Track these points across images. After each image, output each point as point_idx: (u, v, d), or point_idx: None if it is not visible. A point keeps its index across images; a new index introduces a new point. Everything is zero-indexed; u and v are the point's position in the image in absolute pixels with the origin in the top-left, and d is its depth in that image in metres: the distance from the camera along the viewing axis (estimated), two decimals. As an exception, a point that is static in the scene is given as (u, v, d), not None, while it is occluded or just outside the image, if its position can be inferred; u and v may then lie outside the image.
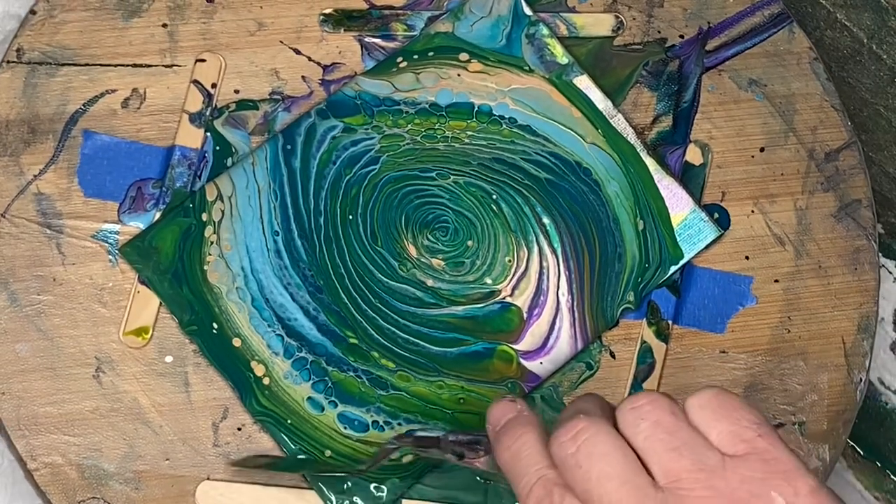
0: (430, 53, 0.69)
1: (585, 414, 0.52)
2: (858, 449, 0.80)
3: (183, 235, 0.66)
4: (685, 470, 0.50)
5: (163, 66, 0.68)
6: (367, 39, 0.69)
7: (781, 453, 0.50)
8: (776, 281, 0.68)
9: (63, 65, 0.67)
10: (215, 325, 0.65)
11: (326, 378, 0.65)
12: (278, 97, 0.68)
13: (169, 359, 0.65)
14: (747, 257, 0.69)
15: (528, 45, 0.69)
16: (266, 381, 0.65)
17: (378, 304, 0.66)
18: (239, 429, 0.65)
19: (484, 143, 0.68)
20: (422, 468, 0.65)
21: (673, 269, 0.68)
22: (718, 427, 0.51)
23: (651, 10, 0.70)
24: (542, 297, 0.67)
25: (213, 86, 0.68)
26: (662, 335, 0.68)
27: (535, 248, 0.67)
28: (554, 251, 0.67)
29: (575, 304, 0.67)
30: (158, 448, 0.65)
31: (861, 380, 0.68)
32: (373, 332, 0.66)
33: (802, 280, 0.69)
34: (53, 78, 0.67)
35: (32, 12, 0.67)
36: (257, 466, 0.64)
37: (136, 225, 0.66)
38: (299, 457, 0.65)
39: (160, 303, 0.66)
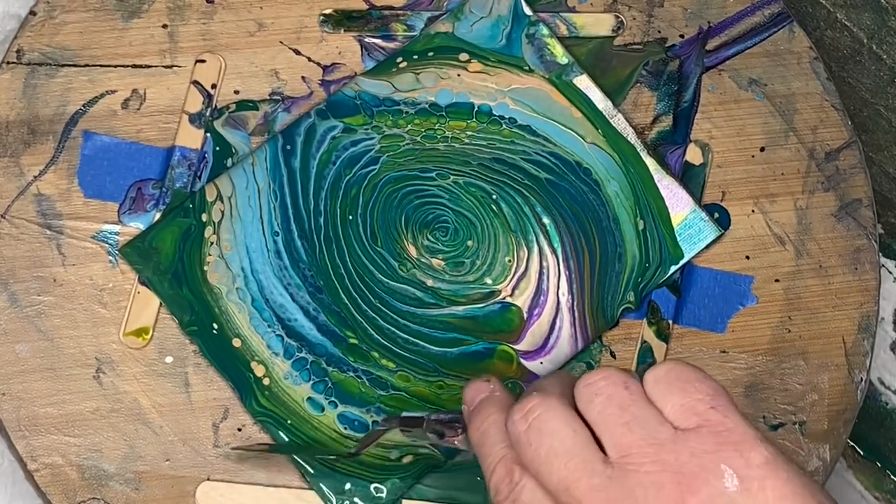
0: (430, 53, 0.69)
1: (541, 392, 0.52)
2: (858, 449, 0.80)
3: (183, 236, 0.66)
4: (635, 444, 0.49)
5: (163, 66, 0.68)
6: (366, 40, 0.69)
7: (735, 424, 0.50)
8: (777, 280, 0.68)
9: (63, 66, 0.67)
10: (215, 326, 0.65)
11: (326, 378, 0.65)
12: (278, 97, 0.68)
13: (169, 359, 0.65)
14: (748, 257, 0.69)
15: (528, 45, 0.69)
16: (266, 381, 0.65)
17: (378, 305, 0.66)
18: (239, 429, 0.65)
19: (484, 143, 0.68)
20: (422, 469, 0.65)
21: (673, 268, 0.68)
22: (672, 400, 0.50)
23: (651, 9, 0.70)
24: (542, 297, 0.67)
25: (213, 86, 0.68)
26: (663, 335, 0.67)
27: (535, 248, 0.67)
28: (554, 251, 0.67)
29: (575, 303, 0.67)
30: (159, 448, 0.65)
31: (861, 379, 0.68)
32: (373, 333, 0.66)
33: (803, 280, 0.68)
34: (53, 79, 0.67)
35: (32, 13, 0.67)
36: (258, 451, 0.64)
37: (136, 225, 0.66)
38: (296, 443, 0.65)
39: (160, 303, 0.66)
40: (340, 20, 0.69)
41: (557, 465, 0.50)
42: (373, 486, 0.64)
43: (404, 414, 0.61)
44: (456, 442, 0.58)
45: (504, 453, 0.52)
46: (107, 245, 0.66)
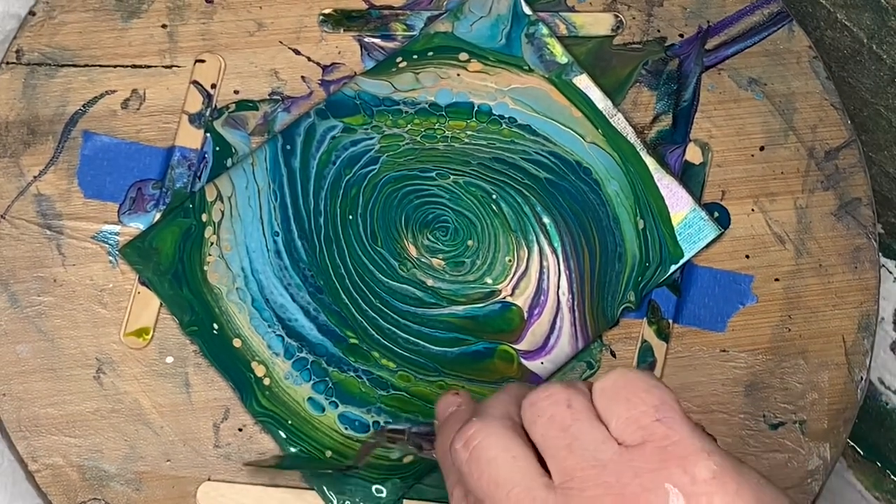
0: (430, 53, 0.69)
1: (483, 416, 0.51)
2: (858, 449, 0.80)
3: (183, 236, 0.66)
4: (577, 467, 0.48)
5: (162, 66, 0.68)
6: (366, 39, 0.69)
7: (681, 437, 0.47)
8: (776, 280, 0.68)
9: (62, 66, 0.67)
10: (216, 326, 0.65)
11: (327, 378, 0.65)
12: (278, 97, 0.68)
13: (169, 360, 0.65)
14: (747, 256, 0.69)
15: (528, 44, 0.69)
16: (267, 381, 0.65)
17: (378, 305, 0.66)
18: (240, 429, 0.65)
19: (484, 142, 0.68)
20: (422, 469, 0.65)
21: (673, 268, 0.68)
22: (617, 413, 0.49)
23: (650, 9, 0.70)
24: (542, 297, 0.67)
25: (213, 86, 0.68)
26: (663, 334, 0.68)
27: (536, 248, 0.67)
28: (554, 251, 0.67)
29: (575, 303, 0.67)
30: (159, 449, 0.65)
31: (862, 378, 0.68)
32: (373, 333, 0.66)
33: (803, 279, 0.69)
34: (53, 79, 0.67)
35: (32, 13, 0.67)
36: (270, 466, 0.64)
37: (136, 226, 0.66)
38: (301, 455, 0.65)
39: (160, 304, 0.65)
40: (340, 20, 0.69)
41: (500, 496, 0.49)
42: (374, 486, 0.64)
43: (389, 426, 0.61)
44: (434, 454, 0.57)
45: (460, 476, 0.51)
46: (107, 245, 0.66)
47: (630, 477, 0.47)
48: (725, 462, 0.47)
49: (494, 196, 0.68)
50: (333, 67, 0.69)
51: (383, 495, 0.64)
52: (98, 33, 0.68)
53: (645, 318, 0.68)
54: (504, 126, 0.68)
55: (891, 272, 0.75)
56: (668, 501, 0.46)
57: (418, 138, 0.68)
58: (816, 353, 0.68)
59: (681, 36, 0.70)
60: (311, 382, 0.65)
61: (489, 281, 0.67)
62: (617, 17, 0.70)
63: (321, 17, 0.69)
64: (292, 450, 0.65)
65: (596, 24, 0.70)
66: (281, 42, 0.68)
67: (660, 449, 0.47)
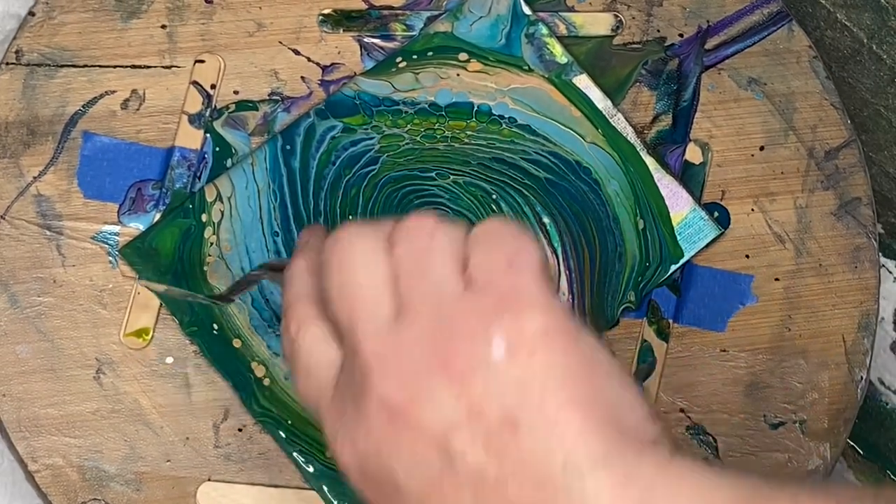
0: (430, 53, 0.69)
1: (363, 225, 0.51)
2: (858, 449, 0.80)
3: (183, 236, 0.66)
4: (419, 296, 0.47)
5: (162, 67, 0.68)
6: (366, 40, 0.69)
7: (525, 288, 0.47)
8: (776, 279, 0.68)
9: (62, 66, 0.67)
10: (215, 327, 0.65)
11: (327, 378, 0.65)
12: (278, 98, 0.68)
13: (169, 360, 0.65)
14: (747, 256, 0.69)
15: (528, 44, 0.69)
16: (266, 381, 0.65)
17: (378, 305, 0.66)
18: (240, 430, 0.65)
19: (483, 142, 0.68)
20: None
21: (673, 267, 0.68)
22: (475, 255, 0.48)
23: (650, 8, 0.70)
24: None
25: (213, 87, 0.68)
26: (663, 334, 0.68)
27: (536, 248, 0.67)
28: (554, 251, 0.67)
29: (575, 303, 0.67)
30: (159, 449, 0.65)
31: (862, 378, 0.68)
32: (373, 333, 0.66)
33: (803, 278, 0.69)
34: (52, 79, 0.67)
35: (31, 14, 0.67)
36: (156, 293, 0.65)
37: (135, 226, 0.66)
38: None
39: (160, 304, 0.65)
40: (339, 20, 0.69)
41: (348, 301, 0.49)
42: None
43: (273, 260, 0.60)
44: None
45: (307, 290, 0.51)
46: (107, 246, 0.66)
47: (464, 317, 0.47)
48: (563, 323, 0.47)
49: (494, 196, 0.68)
50: (333, 68, 0.69)
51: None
52: (98, 34, 0.68)
53: (645, 318, 0.68)
54: (504, 126, 0.68)
55: (891, 272, 0.75)
56: (492, 348, 0.46)
57: (418, 138, 0.68)
58: (816, 353, 0.68)
59: (680, 36, 0.70)
60: (311, 383, 0.65)
61: (489, 281, 0.67)
62: (617, 16, 0.70)
63: (321, 18, 0.69)
64: (293, 451, 0.65)
65: (596, 23, 0.70)
66: (280, 42, 0.68)
67: (499, 296, 0.47)
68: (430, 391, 0.46)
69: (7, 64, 0.67)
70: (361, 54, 0.69)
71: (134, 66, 0.68)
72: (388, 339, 0.47)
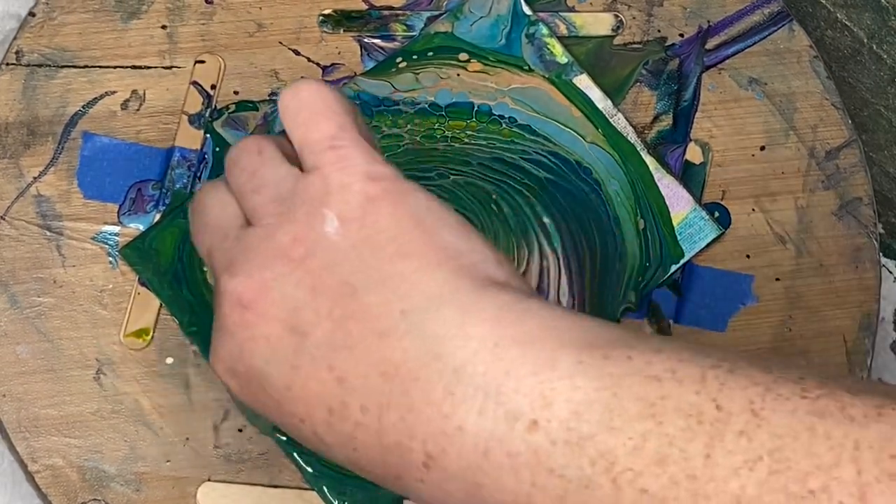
0: (430, 53, 0.69)
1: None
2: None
3: (183, 237, 0.66)
4: (261, 205, 0.50)
5: (162, 67, 0.68)
6: (366, 40, 0.69)
7: (350, 163, 0.49)
8: (777, 279, 0.68)
9: (62, 67, 0.67)
10: (216, 326, 0.65)
11: (327, 379, 0.65)
12: (278, 98, 0.68)
13: (170, 360, 0.65)
14: (748, 256, 0.68)
15: (528, 44, 0.69)
16: (267, 382, 0.65)
17: (378, 305, 0.66)
18: (240, 430, 0.65)
19: (484, 142, 0.68)
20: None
21: (674, 268, 0.68)
22: (296, 137, 0.51)
23: (651, 9, 0.70)
24: (542, 297, 0.67)
25: (213, 87, 0.68)
26: (663, 334, 0.67)
27: (536, 248, 0.67)
28: (554, 251, 0.67)
29: (576, 303, 0.67)
30: (159, 450, 0.64)
31: (862, 377, 0.68)
32: (373, 333, 0.66)
33: (803, 278, 0.68)
34: (53, 80, 0.67)
35: (31, 14, 0.67)
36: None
37: (136, 226, 0.66)
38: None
39: (160, 304, 0.65)
40: (340, 20, 0.69)
41: (204, 237, 0.52)
42: (376, 491, 0.64)
43: None
44: None
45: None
46: (107, 246, 0.66)
47: (299, 204, 0.49)
48: (389, 185, 0.49)
49: (494, 196, 0.68)
50: (333, 68, 0.69)
51: (384, 495, 0.64)
52: (98, 34, 0.68)
53: (645, 319, 0.68)
54: (504, 126, 0.68)
55: (891, 272, 0.75)
56: (325, 225, 0.48)
57: (418, 138, 0.68)
58: (817, 353, 0.68)
59: (681, 36, 0.70)
60: (311, 383, 0.65)
61: (489, 281, 0.67)
62: (617, 17, 0.70)
63: (321, 18, 0.69)
64: (293, 451, 0.64)
65: (596, 24, 0.70)
66: (281, 43, 0.68)
67: (324, 178, 0.49)
68: (274, 279, 0.48)
69: (7, 64, 0.67)
70: (362, 55, 0.69)
71: (134, 67, 0.68)
72: (237, 247, 0.50)
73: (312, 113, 0.51)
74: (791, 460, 0.43)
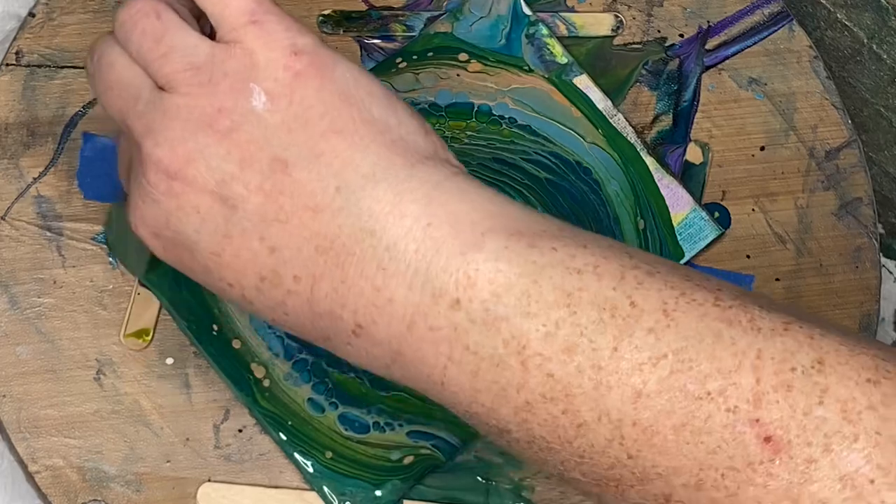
0: (430, 54, 0.69)
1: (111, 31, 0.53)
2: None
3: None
4: (174, 72, 0.50)
5: (162, 68, 0.68)
6: (366, 40, 0.69)
7: (273, 38, 0.50)
8: (777, 279, 0.68)
9: (62, 67, 0.67)
10: (215, 327, 0.65)
11: (327, 379, 0.65)
12: None
13: (170, 361, 0.65)
14: (748, 256, 0.68)
15: (528, 44, 0.69)
16: (266, 382, 0.65)
17: (378, 305, 0.66)
18: (240, 430, 0.65)
19: (484, 142, 0.68)
20: (422, 469, 0.65)
21: (674, 268, 0.68)
22: (211, 10, 0.51)
23: (650, 9, 0.70)
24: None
25: (213, 87, 0.68)
26: (663, 334, 0.67)
27: (536, 248, 0.67)
28: (554, 251, 0.67)
29: (576, 303, 0.67)
30: (159, 450, 0.64)
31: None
32: (373, 333, 0.66)
33: (803, 278, 0.68)
34: (53, 80, 0.67)
35: (31, 15, 0.67)
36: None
37: (136, 227, 0.66)
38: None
39: (160, 305, 0.65)
40: (340, 21, 0.69)
41: (113, 97, 0.52)
42: (375, 488, 0.64)
43: None
44: None
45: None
46: (107, 247, 0.66)
47: (220, 77, 0.49)
48: (315, 59, 0.50)
49: (494, 196, 0.67)
50: (333, 68, 0.68)
51: (384, 495, 0.64)
52: (98, 34, 0.68)
53: (645, 319, 0.67)
54: (504, 126, 0.68)
55: (891, 272, 0.75)
56: (252, 100, 0.49)
57: (418, 139, 0.68)
58: (817, 353, 0.68)
59: (681, 36, 0.70)
60: (312, 383, 0.65)
61: (489, 281, 0.67)
62: (617, 17, 0.70)
63: (321, 18, 0.69)
64: (293, 452, 0.64)
65: (596, 24, 0.70)
66: (281, 43, 0.68)
67: (249, 50, 0.49)
68: (200, 150, 0.49)
69: (7, 65, 0.67)
70: (362, 55, 0.69)
71: (134, 67, 0.68)
72: (154, 112, 0.50)
73: None
74: (693, 361, 0.45)
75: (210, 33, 0.52)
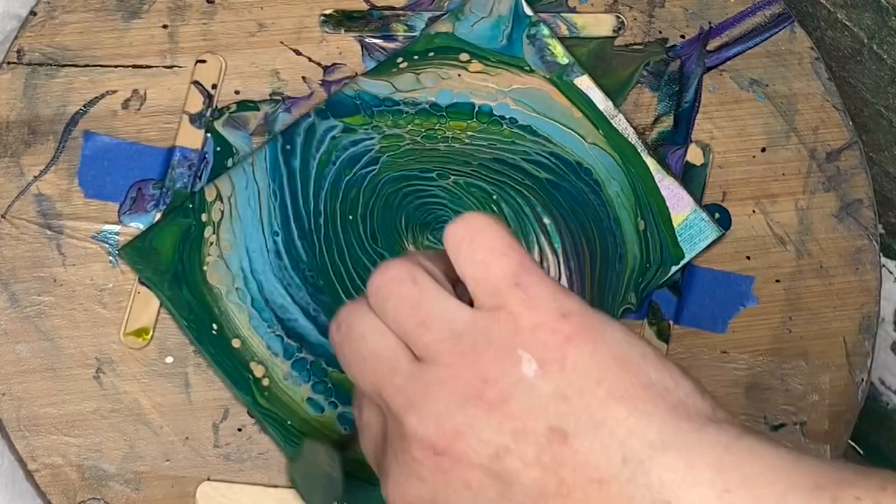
0: (431, 54, 0.69)
1: (356, 300, 0.51)
2: (859, 449, 0.80)
3: (183, 236, 0.66)
4: (434, 341, 0.47)
5: (163, 67, 0.68)
6: (367, 40, 0.69)
7: (539, 301, 0.47)
8: (777, 281, 0.68)
9: (63, 66, 0.67)
10: (215, 326, 0.65)
11: (326, 379, 0.65)
12: (279, 98, 0.68)
13: (169, 359, 0.65)
14: (748, 257, 0.68)
15: (529, 45, 0.69)
16: (266, 382, 0.65)
17: (378, 305, 0.66)
18: (239, 429, 0.65)
19: (484, 143, 0.68)
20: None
21: (674, 269, 0.68)
22: (472, 276, 0.48)
23: (652, 10, 0.70)
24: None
25: (214, 87, 0.68)
26: (663, 335, 0.67)
27: (536, 249, 0.67)
28: (555, 251, 0.67)
29: (576, 304, 0.67)
30: (159, 449, 0.65)
31: (862, 380, 0.68)
32: (373, 333, 0.66)
33: (804, 280, 0.68)
34: (54, 79, 0.67)
35: (33, 13, 0.67)
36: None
37: (136, 226, 0.66)
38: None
39: (160, 304, 0.65)
40: (341, 20, 0.69)
41: (366, 370, 0.49)
42: (376, 491, 0.64)
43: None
44: None
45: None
46: (107, 245, 0.66)
47: (485, 345, 0.46)
48: (585, 322, 0.47)
49: (495, 197, 0.67)
50: (334, 68, 0.69)
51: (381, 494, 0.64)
52: (99, 33, 0.68)
53: (645, 320, 0.68)
54: (505, 127, 0.68)
55: (891, 272, 0.75)
56: (521, 367, 0.46)
57: (419, 139, 0.68)
58: (817, 355, 0.68)
59: (682, 37, 0.70)
60: (311, 383, 0.65)
61: (489, 281, 0.67)
62: (618, 18, 0.70)
63: (322, 18, 0.69)
64: (291, 448, 0.64)
65: (597, 25, 0.70)
66: (282, 42, 0.68)
67: (515, 315, 0.47)
68: (469, 423, 0.46)
69: (8, 63, 0.67)
70: (363, 55, 0.69)
71: (135, 66, 0.68)
72: (415, 386, 0.47)
73: (490, 251, 0.48)
74: None
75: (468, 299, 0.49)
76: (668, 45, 0.70)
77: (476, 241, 0.48)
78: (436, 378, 0.47)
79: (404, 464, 0.48)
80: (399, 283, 0.48)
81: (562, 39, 0.69)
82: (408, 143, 0.68)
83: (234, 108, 0.68)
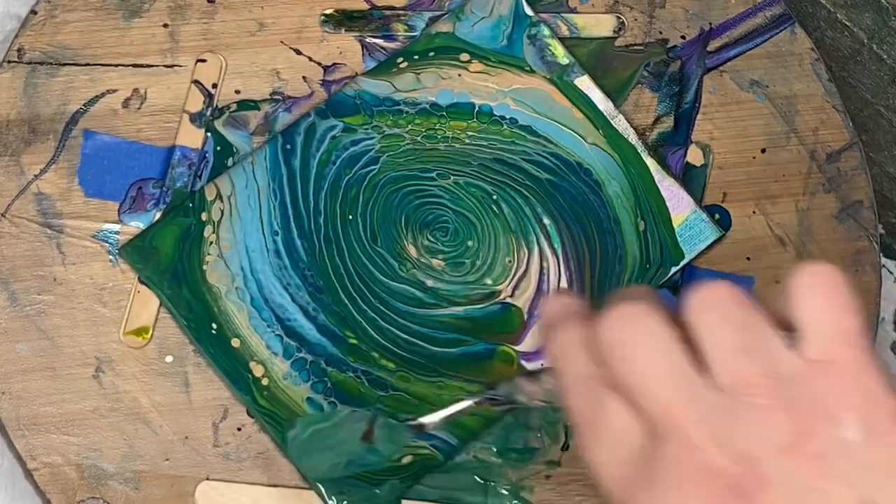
0: (431, 54, 0.69)
1: (632, 301, 0.46)
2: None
3: (182, 235, 0.66)
4: (750, 374, 0.44)
5: (164, 66, 0.68)
6: (367, 40, 0.69)
7: (868, 364, 0.44)
8: (777, 282, 0.68)
9: (64, 65, 0.67)
10: (214, 326, 0.65)
11: (326, 378, 0.65)
12: (279, 97, 0.68)
13: (169, 359, 0.65)
14: (748, 258, 0.68)
15: (530, 45, 0.69)
16: (265, 381, 0.65)
17: (378, 305, 0.66)
18: (239, 429, 0.65)
19: (484, 143, 0.68)
20: (421, 469, 0.65)
21: (674, 269, 0.68)
22: (820, 325, 0.45)
23: (652, 10, 0.70)
24: (542, 298, 0.67)
25: (214, 86, 0.68)
26: (663, 336, 0.67)
27: (536, 249, 0.67)
28: (554, 252, 0.67)
29: (575, 304, 0.67)
30: (158, 448, 0.65)
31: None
32: (372, 333, 0.66)
33: (803, 281, 0.68)
34: (54, 78, 0.67)
35: (33, 12, 0.67)
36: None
37: (136, 225, 0.66)
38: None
39: (160, 303, 0.65)
40: (341, 20, 0.69)
41: (656, 387, 0.45)
42: (375, 490, 0.64)
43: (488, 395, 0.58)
44: (551, 383, 0.53)
45: (587, 371, 0.47)
46: (107, 244, 0.66)
47: (809, 396, 0.44)
48: None
49: (495, 197, 0.68)
50: (335, 68, 0.69)
51: (382, 495, 0.64)
52: (99, 32, 0.68)
53: (645, 320, 0.67)
54: (505, 127, 0.68)
55: (891, 272, 0.75)
56: (842, 430, 0.44)
57: (419, 138, 0.68)
58: (817, 356, 0.68)
59: (683, 38, 0.70)
60: (310, 382, 0.65)
61: (489, 282, 0.67)
62: (619, 18, 0.70)
63: (322, 18, 0.69)
64: (291, 453, 0.65)
65: (598, 25, 0.70)
66: (282, 42, 0.68)
67: (844, 375, 0.44)
68: (782, 472, 0.44)
69: (9, 62, 0.67)
70: (363, 54, 0.69)
71: (135, 65, 0.68)
72: (717, 423, 0.45)
73: (841, 303, 0.46)
74: None
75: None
76: (668, 46, 0.70)
77: (833, 292, 0.46)
78: (747, 418, 0.44)
79: (686, 497, 0.45)
80: (731, 300, 0.46)
81: (562, 40, 0.69)
82: (408, 143, 0.68)
83: (234, 107, 0.68)
